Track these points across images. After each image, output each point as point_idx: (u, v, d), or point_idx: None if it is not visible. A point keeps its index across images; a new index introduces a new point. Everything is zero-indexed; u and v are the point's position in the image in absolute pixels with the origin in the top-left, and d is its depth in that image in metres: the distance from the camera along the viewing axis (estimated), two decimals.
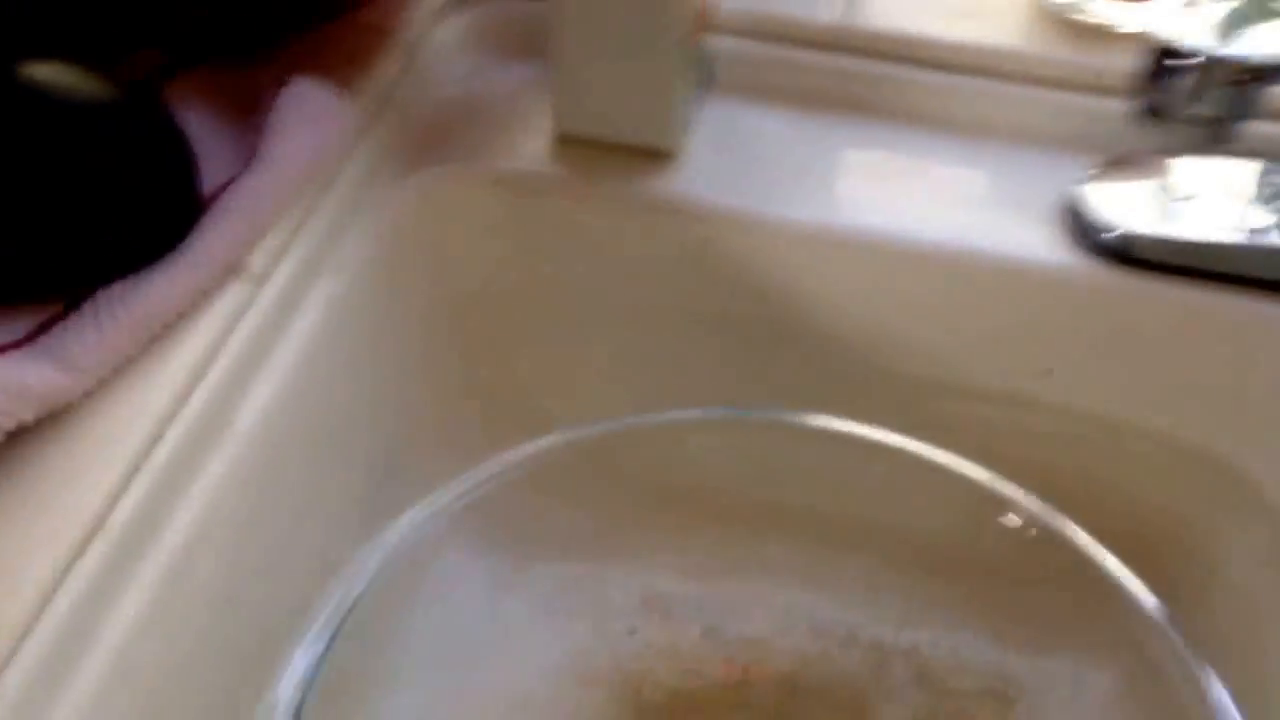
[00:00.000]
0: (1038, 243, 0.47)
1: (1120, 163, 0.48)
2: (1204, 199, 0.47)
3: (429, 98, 0.50)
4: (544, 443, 0.46)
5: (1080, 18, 0.52)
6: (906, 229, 0.48)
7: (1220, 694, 0.40)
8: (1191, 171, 0.49)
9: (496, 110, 0.50)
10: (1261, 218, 0.46)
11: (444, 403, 0.50)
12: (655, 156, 0.49)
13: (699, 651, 0.48)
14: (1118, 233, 0.46)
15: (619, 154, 0.49)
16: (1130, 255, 0.46)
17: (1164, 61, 0.37)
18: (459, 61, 0.52)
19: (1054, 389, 0.48)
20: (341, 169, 0.45)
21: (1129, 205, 0.47)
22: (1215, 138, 0.38)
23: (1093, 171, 0.48)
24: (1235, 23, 0.37)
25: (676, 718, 0.47)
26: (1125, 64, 0.50)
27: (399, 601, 0.43)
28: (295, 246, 0.43)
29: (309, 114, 0.42)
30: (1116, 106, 0.50)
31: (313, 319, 0.43)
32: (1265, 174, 0.48)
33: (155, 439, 0.37)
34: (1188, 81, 0.36)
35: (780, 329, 0.49)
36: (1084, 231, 0.47)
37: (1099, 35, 0.52)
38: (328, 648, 0.40)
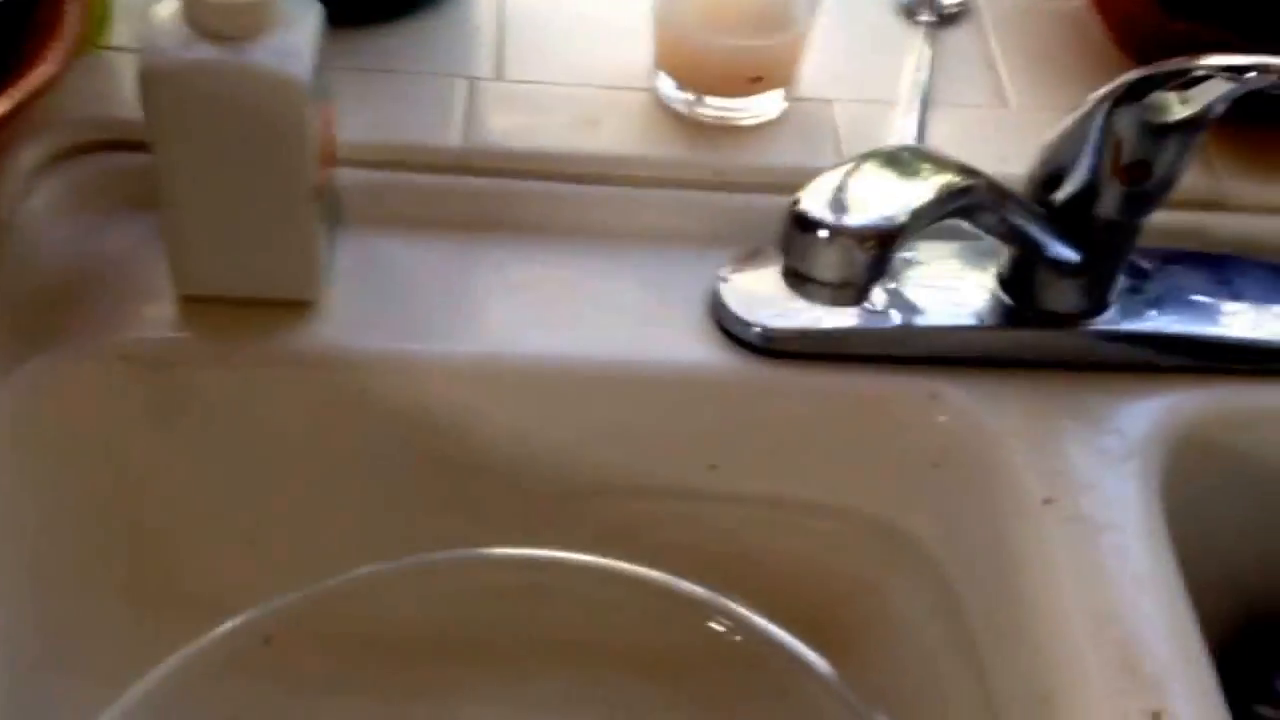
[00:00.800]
0: (686, 345, 0.48)
1: (753, 256, 0.50)
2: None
3: (30, 275, 0.46)
4: (218, 631, 0.44)
5: (698, 114, 0.54)
6: (558, 349, 0.48)
7: None
8: None
9: (111, 275, 0.47)
10: (887, 298, 0.49)
11: (102, 612, 0.47)
12: (293, 305, 0.47)
13: None
14: (756, 329, 0.48)
15: (254, 307, 0.47)
16: (771, 348, 0.48)
17: (796, 230, 0.38)
18: (61, 227, 0.48)
19: (721, 480, 0.50)
20: None
21: (764, 299, 0.49)
22: (851, 300, 0.40)
23: (727, 269, 0.50)
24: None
25: None
26: (743, 159, 0.52)
27: None
28: None
29: None
30: (742, 201, 0.52)
31: None
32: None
33: None
34: (818, 249, 0.38)
35: (452, 464, 0.48)
36: (726, 330, 0.49)
37: (718, 131, 0.54)
38: None
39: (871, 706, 0.45)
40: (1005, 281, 0.49)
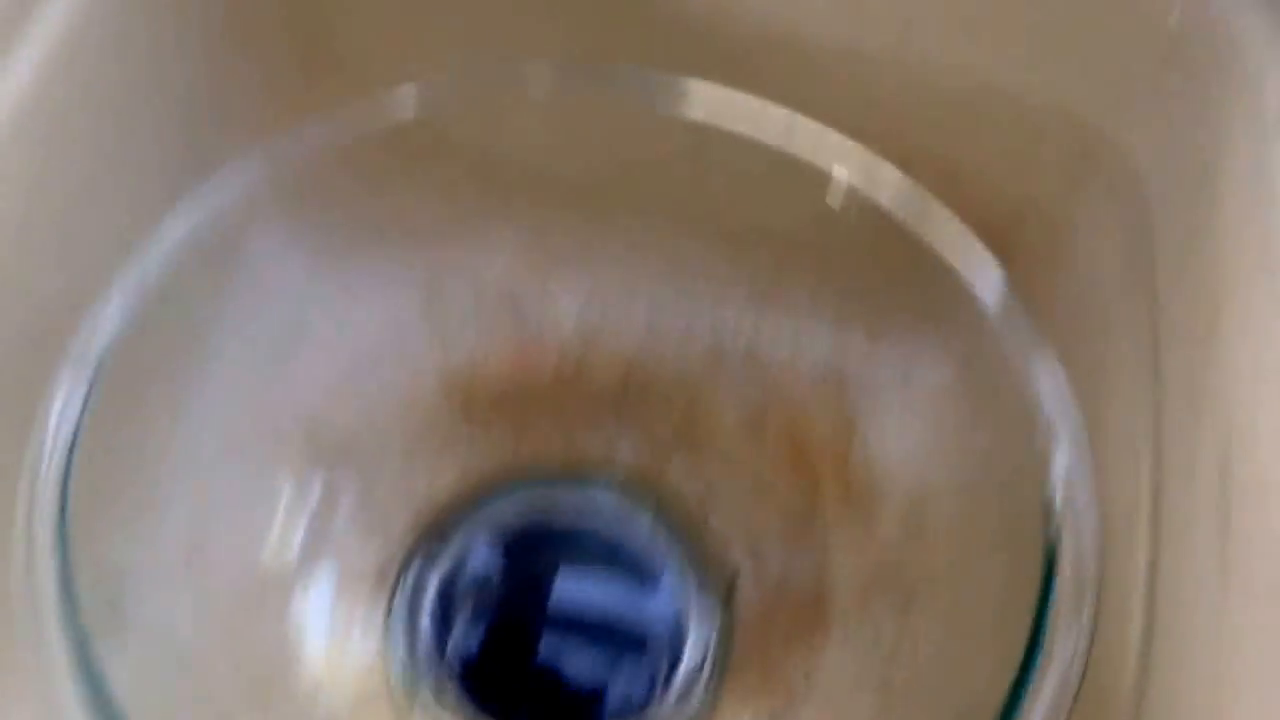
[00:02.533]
0: None
1: None
2: None
3: None
4: (368, 105, 0.43)
5: None
6: None
7: (1057, 376, 0.38)
8: None
9: None
10: None
11: (261, 65, 0.46)
12: None
13: (533, 344, 0.46)
14: None
15: None
16: None
17: None
18: None
19: (913, 44, 0.43)
20: None
21: None
22: None
23: None
24: None
25: (504, 411, 0.45)
26: None
27: (202, 279, 0.41)
28: None
29: None
30: None
31: None
32: None
33: None
34: None
35: None
36: None
37: None
38: (122, 324, 0.38)
39: (1036, 330, 0.40)
40: None
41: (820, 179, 0.42)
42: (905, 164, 0.42)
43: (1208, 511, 0.34)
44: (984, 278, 0.40)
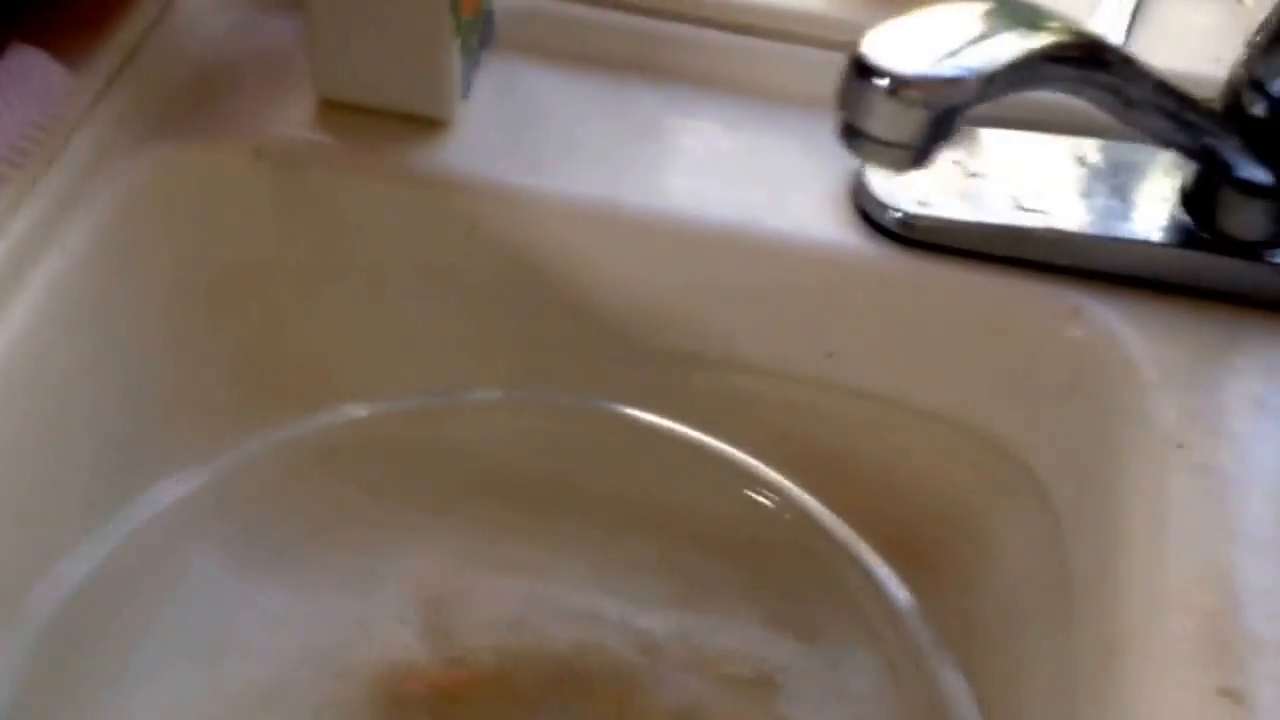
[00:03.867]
0: (823, 222, 0.45)
1: None
2: (995, 177, 0.46)
3: (182, 59, 0.47)
4: (309, 423, 0.45)
5: None
6: (688, 207, 0.45)
7: (959, 688, 0.39)
8: (988, 146, 0.47)
9: (258, 72, 0.47)
10: (1048, 199, 0.44)
11: (200, 387, 0.48)
12: (428, 124, 0.46)
13: (469, 641, 0.46)
14: (899, 213, 0.44)
15: (389, 120, 0.46)
16: (912, 237, 0.44)
17: (854, 78, 0.34)
18: (222, 17, 0.49)
19: (836, 370, 0.46)
20: (69, 141, 0.42)
21: (911, 185, 0.45)
22: (909, 164, 0.35)
23: None
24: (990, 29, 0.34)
25: (437, 710, 0.46)
26: None
27: (136, 590, 0.41)
28: (9, 229, 0.40)
29: (23, 88, 0.39)
30: None
31: (32, 303, 0.40)
32: (1061, 151, 0.46)
33: None
34: (873, 101, 0.34)
35: (556, 307, 0.47)
36: (865, 212, 0.45)
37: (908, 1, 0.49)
38: (37, 644, 0.38)
39: (945, 638, 0.41)
40: (1187, 198, 0.43)
41: (746, 502, 0.44)
42: (825, 473, 0.44)
43: None
44: (891, 589, 0.42)
